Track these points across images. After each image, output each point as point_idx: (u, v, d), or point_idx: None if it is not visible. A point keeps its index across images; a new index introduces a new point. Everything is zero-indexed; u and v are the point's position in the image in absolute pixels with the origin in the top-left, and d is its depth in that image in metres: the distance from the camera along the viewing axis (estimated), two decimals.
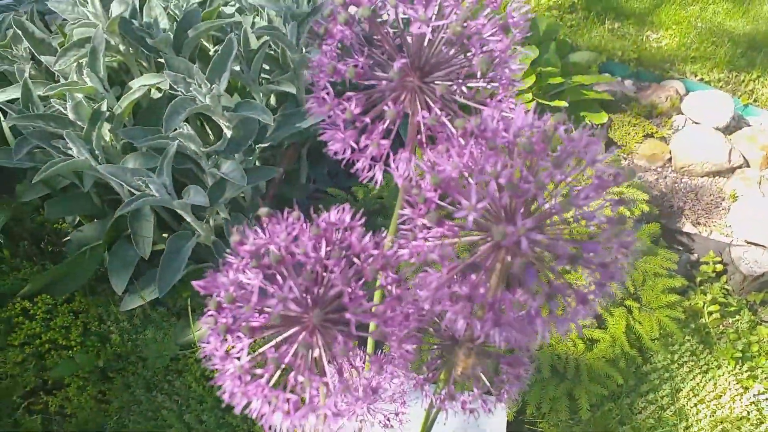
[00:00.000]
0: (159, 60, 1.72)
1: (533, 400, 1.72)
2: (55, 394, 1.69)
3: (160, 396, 1.69)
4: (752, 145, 2.51)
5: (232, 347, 0.52)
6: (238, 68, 1.74)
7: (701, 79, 2.92)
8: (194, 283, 0.50)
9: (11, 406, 1.67)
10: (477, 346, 0.56)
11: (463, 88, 0.46)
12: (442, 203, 0.44)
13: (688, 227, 2.31)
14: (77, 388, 1.69)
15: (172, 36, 1.67)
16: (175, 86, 1.50)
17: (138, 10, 1.69)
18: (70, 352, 1.72)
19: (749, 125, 2.70)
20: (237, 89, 1.98)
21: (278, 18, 1.79)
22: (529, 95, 2.39)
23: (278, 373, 0.48)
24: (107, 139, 1.63)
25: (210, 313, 0.48)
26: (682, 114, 2.68)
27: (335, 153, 0.47)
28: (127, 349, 1.76)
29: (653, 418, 1.77)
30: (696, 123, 2.63)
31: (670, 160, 2.55)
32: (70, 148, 1.52)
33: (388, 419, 0.84)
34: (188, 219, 1.58)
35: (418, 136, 0.47)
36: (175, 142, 1.50)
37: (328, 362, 0.48)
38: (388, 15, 0.44)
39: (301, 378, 0.49)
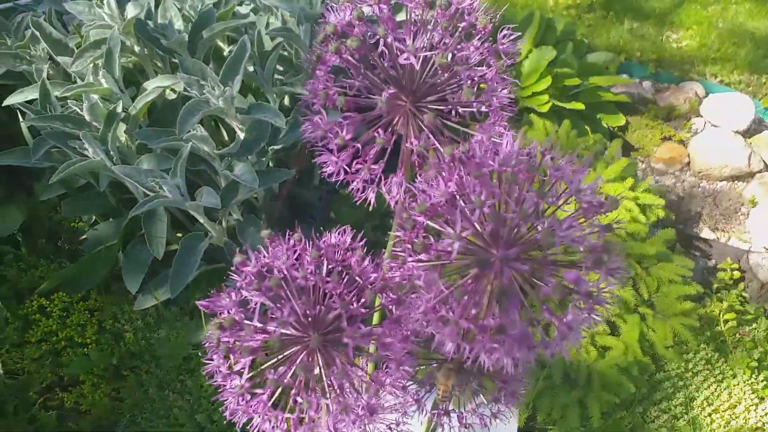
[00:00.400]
0: (174, 60, 1.74)
1: (544, 407, 1.71)
2: (70, 391, 1.72)
3: (172, 395, 1.71)
4: None
5: (236, 362, 0.53)
6: (252, 69, 1.75)
7: (721, 81, 2.88)
8: (198, 303, 0.51)
9: (28, 402, 1.70)
10: (458, 366, 0.56)
11: (458, 110, 0.46)
12: (433, 224, 0.44)
13: (705, 232, 2.28)
14: (92, 385, 1.71)
15: (186, 37, 1.68)
16: (188, 88, 1.51)
17: (153, 11, 1.70)
18: (86, 349, 1.75)
19: None
20: (251, 90, 1.98)
21: (292, 19, 1.79)
22: (545, 97, 2.37)
23: (279, 391, 0.49)
24: (122, 139, 1.65)
25: (212, 332, 0.49)
26: (701, 116, 2.64)
27: (329, 175, 0.47)
28: (141, 348, 1.78)
29: (666, 427, 1.76)
30: (715, 126, 2.59)
31: (688, 163, 2.52)
32: (86, 149, 1.54)
33: (390, 428, 0.84)
34: (201, 220, 1.60)
35: (412, 157, 0.48)
36: (188, 144, 1.52)
37: (328, 386, 0.48)
38: (378, 44, 0.44)
39: (299, 399, 0.50)
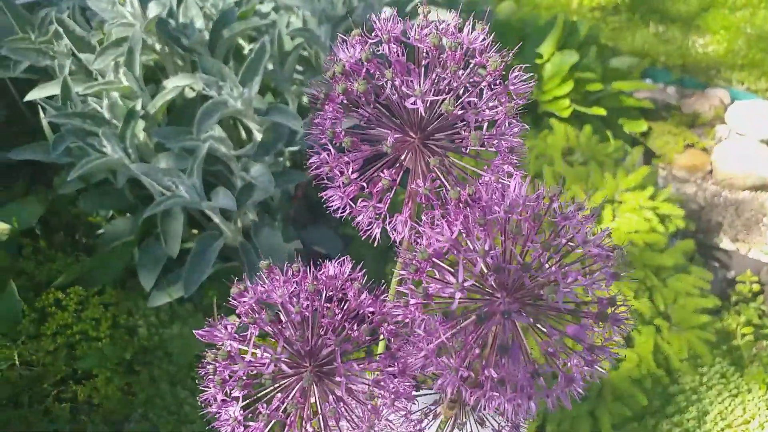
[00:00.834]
0: (194, 59, 1.74)
1: (554, 418, 1.70)
2: (83, 384, 1.74)
3: (183, 392, 1.72)
4: None
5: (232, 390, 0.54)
6: (271, 67, 1.75)
7: (748, 88, 2.82)
8: (195, 332, 0.52)
9: (42, 394, 1.73)
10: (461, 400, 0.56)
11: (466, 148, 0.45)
12: (439, 262, 0.44)
13: (725, 243, 2.25)
14: (105, 379, 1.73)
15: (207, 36, 1.68)
16: (207, 89, 1.52)
17: (175, 9, 1.71)
18: (100, 343, 1.76)
19: None
20: (270, 89, 1.99)
21: (313, 19, 1.79)
22: (566, 101, 2.34)
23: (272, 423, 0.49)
24: (141, 137, 1.66)
25: (208, 362, 0.50)
26: (726, 124, 2.60)
27: (335, 210, 0.47)
28: (154, 344, 1.79)
29: None
30: (740, 134, 2.55)
31: (710, 171, 2.48)
32: (105, 146, 1.55)
33: None
34: (216, 220, 1.60)
35: (418, 196, 0.47)
36: (206, 144, 1.52)
37: (321, 420, 0.48)
38: (386, 86, 0.44)
39: None
